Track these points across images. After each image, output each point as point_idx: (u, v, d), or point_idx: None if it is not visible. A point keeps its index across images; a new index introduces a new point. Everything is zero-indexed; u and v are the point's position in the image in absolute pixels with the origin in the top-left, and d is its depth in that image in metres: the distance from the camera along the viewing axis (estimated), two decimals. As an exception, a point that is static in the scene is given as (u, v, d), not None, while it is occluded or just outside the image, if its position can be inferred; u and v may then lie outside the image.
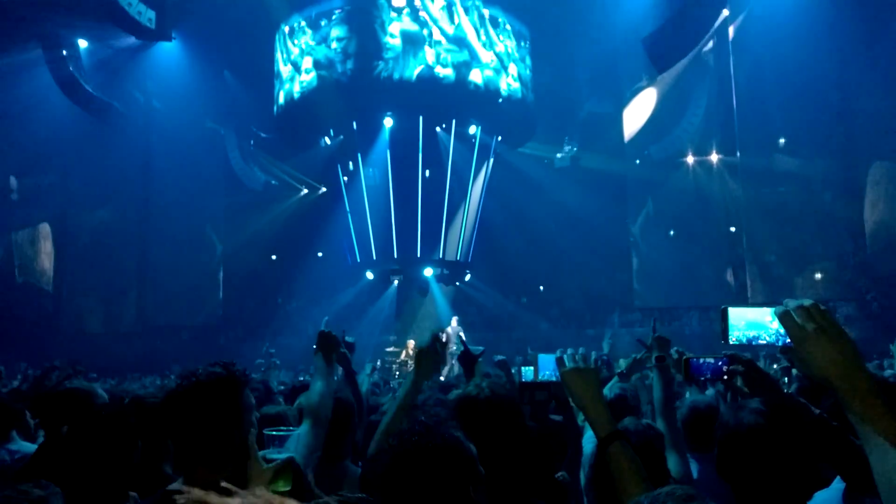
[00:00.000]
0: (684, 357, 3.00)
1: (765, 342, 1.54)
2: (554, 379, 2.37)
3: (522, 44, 18.11)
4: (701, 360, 2.92)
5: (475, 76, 16.86)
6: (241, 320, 20.70)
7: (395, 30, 16.20)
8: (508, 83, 17.57)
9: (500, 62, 17.32)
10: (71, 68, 17.21)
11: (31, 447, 3.25)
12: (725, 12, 17.04)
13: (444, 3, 16.64)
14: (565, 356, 2.04)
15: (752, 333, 1.56)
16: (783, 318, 1.38)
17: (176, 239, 20.87)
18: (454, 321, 16.69)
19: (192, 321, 20.69)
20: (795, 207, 17.65)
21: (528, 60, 18.18)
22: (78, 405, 2.82)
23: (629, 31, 16.77)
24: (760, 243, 18.02)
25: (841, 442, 1.92)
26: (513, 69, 17.68)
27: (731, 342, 1.59)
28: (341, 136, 18.78)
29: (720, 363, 2.84)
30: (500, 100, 17.71)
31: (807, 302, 1.37)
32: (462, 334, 15.73)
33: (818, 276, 17.50)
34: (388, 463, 1.61)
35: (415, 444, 1.59)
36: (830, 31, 17.06)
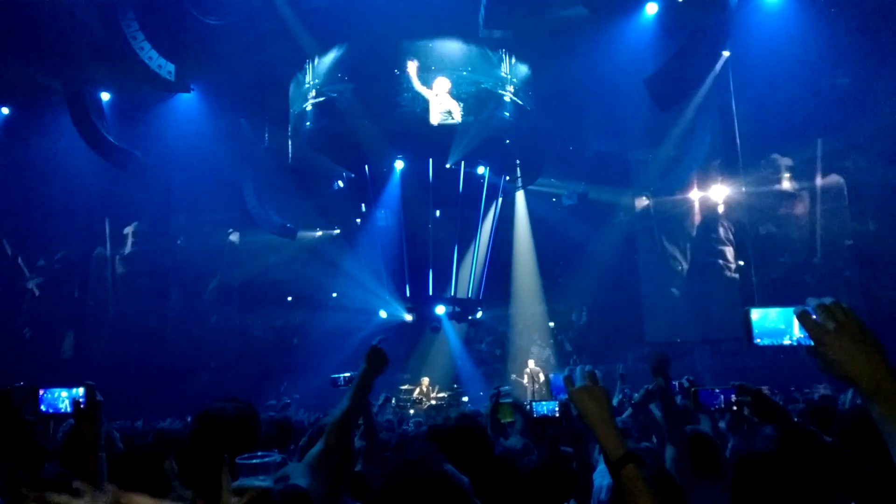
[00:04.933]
0: (693, 389, 3.18)
1: (789, 343, 1.50)
2: (564, 398, 2.43)
3: (527, 84, 18.54)
4: (710, 391, 3.10)
5: (484, 118, 17.26)
6: (258, 362, 20.86)
7: (408, 78, 16.68)
8: (514, 124, 17.97)
9: (506, 104, 17.75)
10: (94, 119, 17.77)
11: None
12: (726, 53, 17.45)
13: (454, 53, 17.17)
14: (574, 373, 1.89)
15: (775, 336, 1.52)
16: (803, 317, 1.36)
17: (194, 282, 21.24)
18: (531, 362, 17.00)
19: (210, 363, 20.86)
20: (804, 239, 17.80)
21: (531, 101, 18.58)
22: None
23: (632, 70, 17.21)
24: (769, 276, 18.15)
25: (852, 468, 1.91)
26: (518, 109, 18.08)
27: (755, 344, 1.53)
28: (353, 177, 19.21)
29: (729, 393, 3.01)
30: (508, 141, 18.13)
31: (827, 300, 1.34)
32: (542, 374, 16.16)
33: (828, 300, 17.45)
34: (378, 499, 1.57)
35: (401, 481, 1.56)
36: (831, 65, 17.43)
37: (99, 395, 2.35)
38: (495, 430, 3.77)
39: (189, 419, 12.34)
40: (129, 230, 21.72)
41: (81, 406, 2.31)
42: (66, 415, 2.46)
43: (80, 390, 2.38)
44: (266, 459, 1.64)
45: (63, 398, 2.47)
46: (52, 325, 20.87)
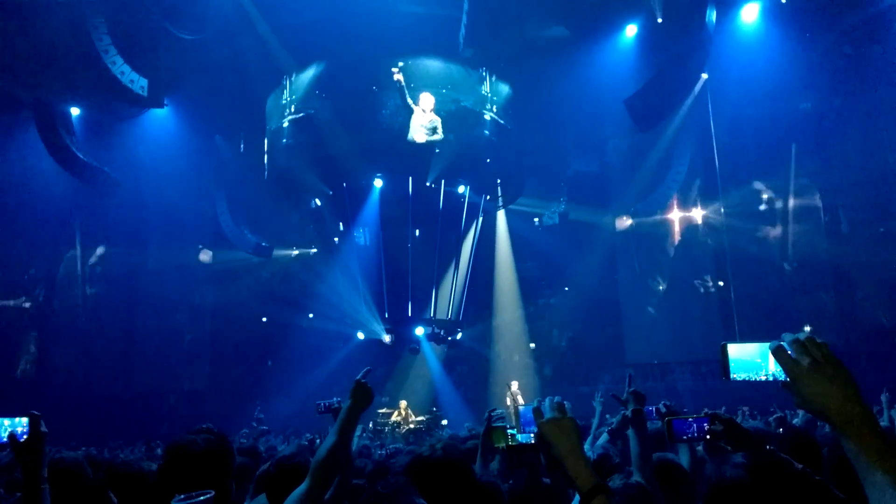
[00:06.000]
0: (667, 418, 2.99)
1: (765, 378, 1.51)
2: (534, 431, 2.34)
3: (507, 104, 18.47)
4: (684, 420, 2.92)
5: (464, 136, 17.16)
6: (230, 384, 20.39)
7: (387, 95, 16.54)
8: (495, 143, 17.88)
9: (487, 122, 17.67)
10: (62, 135, 17.37)
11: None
12: (704, 76, 17.59)
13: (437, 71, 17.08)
14: (543, 405, 1.92)
15: (751, 370, 1.55)
16: (777, 353, 1.37)
17: (165, 302, 20.76)
18: (514, 385, 16.85)
19: (180, 386, 20.34)
20: (782, 259, 17.86)
21: (512, 120, 18.50)
22: (67, 479, 2.69)
23: (612, 91, 17.26)
24: (748, 296, 18.14)
25: (824, 497, 1.93)
26: (499, 128, 18.00)
27: (732, 378, 1.57)
28: (331, 195, 18.98)
29: (703, 422, 2.84)
30: (488, 160, 18.02)
31: (802, 335, 1.36)
32: (519, 398, 16.04)
33: (807, 328, 17.54)
34: None
35: None
36: (807, 88, 17.67)
37: (44, 425, 2.23)
38: (486, 454, 3.78)
39: (150, 446, 11.98)
40: (99, 251, 21.24)
41: (18, 439, 2.20)
42: (3, 445, 2.32)
43: (24, 420, 2.26)
44: (201, 497, 1.62)
45: (5, 427, 2.32)
46: (15, 345, 20.25)
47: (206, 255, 21.50)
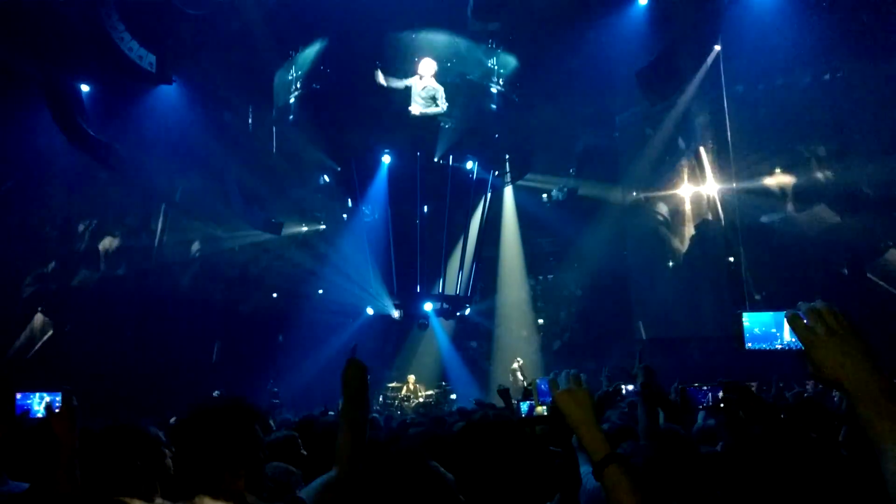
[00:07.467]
0: (681, 386, 3.01)
1: (780, 347, 1.53)
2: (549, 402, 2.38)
3: (515, 77, 18.25)
4: (699, 389, 2.94)
5: (471, 110, 17.01)
6: (242, 360, 20.58)
7: (390, 71, 16.35)
8: (502, 116, 17.72)
9: (493, 96, 17.50)
10: (72, 112, 17.38)
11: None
12: (717, 48, 17.29)
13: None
14: (559, 377, 1.98)
15: (766, 340, 1.55)
16: (793, 321, 1.35)
17: (176, 278, 20.89)
18: (517, 362, 17.09)
19: (193, 361, 20.53)
20: (794, 234, 17.67)
21: (519, 94, 18.28)
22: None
23: (623, 64, 17.02)
24: (760, 273, 18.01)
25: (840, 465, 1.92)
26: (506, 101, 17.82)
27: (747, 348, 1.58)
28: (339, 171, 18.93)
29: (717, 391, 2.87)
30: (497, 135, 17.90)
31: (819, 304, 1.34)
32: (520, 374, 16.35)
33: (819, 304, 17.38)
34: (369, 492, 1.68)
35: (390, 474, 1.69)
36: (823, 59, 17.32)
37: (75, 400, 2.31)
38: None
39: (166, 418, 12.15)
40: (109, 228, 21.34)
41: (55, 410, 2.22)
42: (40, 420, 2.32)
43: (50, 396, 2.35)
44: None
45: (38, 400, 2.43)
46: (28, 323, 20.48)
47: (218, 231, 21.26)
